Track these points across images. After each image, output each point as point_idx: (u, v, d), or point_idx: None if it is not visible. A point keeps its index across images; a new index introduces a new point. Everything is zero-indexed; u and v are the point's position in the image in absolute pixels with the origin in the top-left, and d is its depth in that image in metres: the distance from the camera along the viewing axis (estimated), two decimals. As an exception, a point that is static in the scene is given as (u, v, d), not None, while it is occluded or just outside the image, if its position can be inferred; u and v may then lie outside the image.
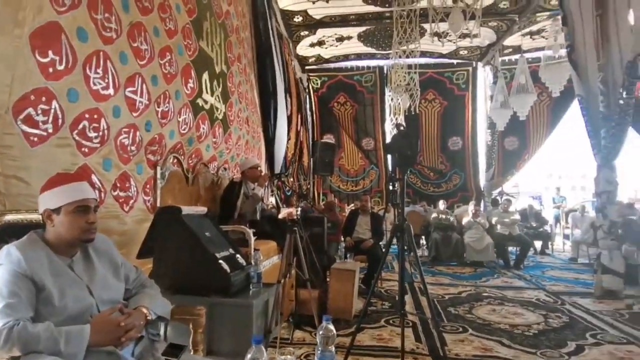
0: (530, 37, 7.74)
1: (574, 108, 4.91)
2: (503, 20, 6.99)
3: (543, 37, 7.55)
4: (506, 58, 8.63)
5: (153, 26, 2.62)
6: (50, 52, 1.70)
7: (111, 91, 2.14)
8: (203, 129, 3.46)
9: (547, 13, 6.61)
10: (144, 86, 2.48)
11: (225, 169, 4.05)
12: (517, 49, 7.89)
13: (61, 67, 1.77)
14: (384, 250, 4.05)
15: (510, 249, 6.26)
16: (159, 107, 2.67)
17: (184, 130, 3.08)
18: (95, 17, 2.01)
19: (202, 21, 3.43)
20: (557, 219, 8.63)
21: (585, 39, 4.45)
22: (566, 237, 7.99)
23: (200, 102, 3.38)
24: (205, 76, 3.49)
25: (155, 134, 2.63)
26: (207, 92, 3.51)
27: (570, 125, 9.34)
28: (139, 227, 2.32)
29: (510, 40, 7.81)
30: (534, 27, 7.30)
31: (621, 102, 3.84)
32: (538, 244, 7.40)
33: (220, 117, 3.85)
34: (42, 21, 1.66)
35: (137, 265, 1.52)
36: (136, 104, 2.39)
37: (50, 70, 1.71)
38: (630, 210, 6.44)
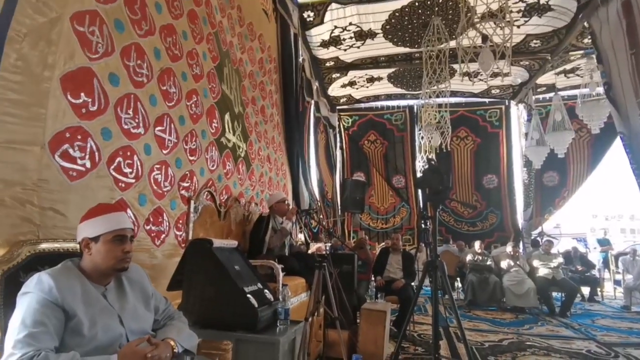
0: (565, 76, 7.61)
1: (618, 145, 4.67)
2: (535, 59, 6.96)
3: (578, 75, 7.41)
4: (540, 96, 8.48)
5: (181, 71, 2.80)
6: (82, 94, 1.82)
7: (142, 130, 2.26)
8: (229, 166, 3.58)
9: (581, 52, 6.52)
10: (172, 125, 2.61)
11: (256, 204, 4.12)
12: (552, 87, 7.74)
13: (94, 108, 1.89)
14: (415, 291, 3.89)
15: (554, 294, 5.82)
16: (186, 144, 2.80)
17: (212, 167, 3.20)
18: (127, 64, 2.17)
19: (222, 67, 3.66)
20: (604, 263, 7.99)
21: (622, 77, 4.33)
22: (617, 282, 7.34)
23: (224, 140, 3.52)
24: (227, 116, 3.65)
25: (186, 170, 2.75)
26: (229, 131, 3.66)
27: (616, 163, 8.87)
28: (168, 262, 2.36)
29: (544, 79, 7.70)
30: (568, 66, 7.20)
31: (662, 139, 3.68)
32: (584, 290, 6.85)
33: (242, 154, 3.98)
34: (73, 66, 1.77)
35: (167, 297, 1.54)
36: (165, 142, 2.51)
37: (83, 110, 1.82)
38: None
